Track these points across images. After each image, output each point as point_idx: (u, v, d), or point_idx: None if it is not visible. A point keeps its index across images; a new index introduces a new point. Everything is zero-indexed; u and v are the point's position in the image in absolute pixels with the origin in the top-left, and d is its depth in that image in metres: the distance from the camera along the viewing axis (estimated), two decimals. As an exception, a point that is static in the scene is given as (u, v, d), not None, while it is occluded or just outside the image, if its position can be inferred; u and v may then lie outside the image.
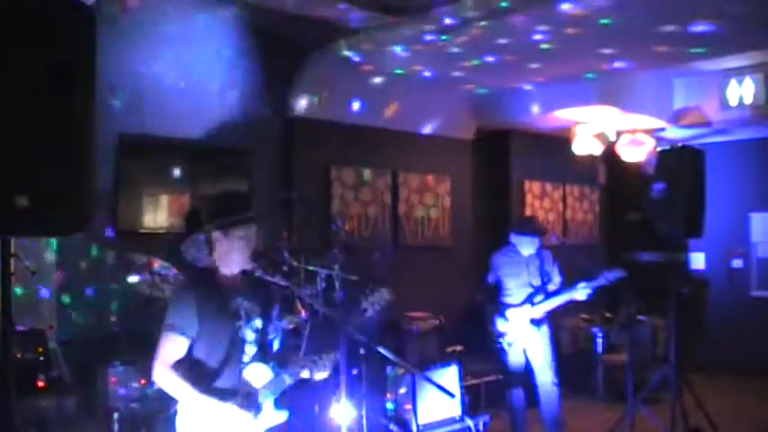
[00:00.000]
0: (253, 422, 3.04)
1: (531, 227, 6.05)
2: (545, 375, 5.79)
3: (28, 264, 4.46)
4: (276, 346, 3.29)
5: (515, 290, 5.87)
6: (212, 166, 6.64)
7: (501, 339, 5.86)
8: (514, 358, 5.86)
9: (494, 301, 5.96)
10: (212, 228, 3.13)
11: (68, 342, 5.47)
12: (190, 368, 3.03)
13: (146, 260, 4.84)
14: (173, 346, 3.02)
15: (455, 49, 6.63)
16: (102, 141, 2.99)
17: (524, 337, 5.82)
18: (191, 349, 3.04)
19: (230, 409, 2.98)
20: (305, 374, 3.14)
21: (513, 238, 5.94)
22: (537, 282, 5.85)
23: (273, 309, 3.33)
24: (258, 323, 3.16)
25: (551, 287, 5.88)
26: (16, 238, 2.79)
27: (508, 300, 5.90)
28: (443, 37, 6.31)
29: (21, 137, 2.20)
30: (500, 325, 5.87)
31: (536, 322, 5.80)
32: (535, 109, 8.41)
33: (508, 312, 5.85)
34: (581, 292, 5.64)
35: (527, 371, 5.89)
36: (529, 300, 5.81)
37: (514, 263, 5.90)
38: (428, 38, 6.37)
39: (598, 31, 6.04)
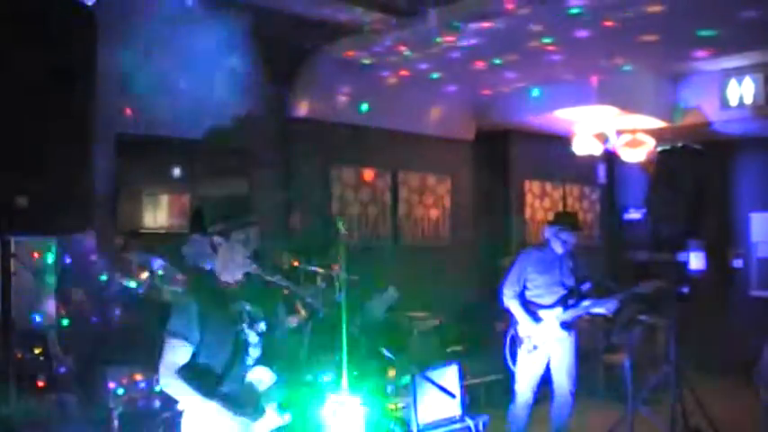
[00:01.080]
0: (256, 425, 3.05)
1: (574, 221, 5.76)
2: (564, 381, 5.61)
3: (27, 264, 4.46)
4: (281, 348, 3.29)
5: (545, 289, 5.56)
6: (212, 166, 6.64)
7: (525, 342, 5.54)
8: (533, 364, 5.57)
9: (520, 301, 5.61)
10: (213, 233, 3.15)
11: (68, 342, 5.46)
12: (195, 373, 3.04)
13: (146, 260, 4.84)
14: (176, 353, 3.04)
15: (455, 50, 6.62)
16: (102, 141, 2.99)
17: (551, 342, 5.54)
18: (195, 354, 3.06)
19: (234, 413, 3.00)
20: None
21: (551, 233, 5.61)
22: (569, 282, 5.57)
23: (278, 311, 3.34)
24: (262, 326, 3.17)
25: (583, 290, 5.58)
26: (16, 238, 2.79)
27: (537, 300, 5.59)
28: (441, 38, 6.31)
29: (21, 137, 2.20)
30: (528, 326, 5.54)
31: (567, 326, 5.53)
32: (535, 109, 8.41)
33: (539, 313, 5.54)
34: (608, 306, 5.48)
35: (542, 378, 5.62)
36: (561, 301, 5.54)
37: (548, 260, 5.60)
38: (428, 38, 6.37)
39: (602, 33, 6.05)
